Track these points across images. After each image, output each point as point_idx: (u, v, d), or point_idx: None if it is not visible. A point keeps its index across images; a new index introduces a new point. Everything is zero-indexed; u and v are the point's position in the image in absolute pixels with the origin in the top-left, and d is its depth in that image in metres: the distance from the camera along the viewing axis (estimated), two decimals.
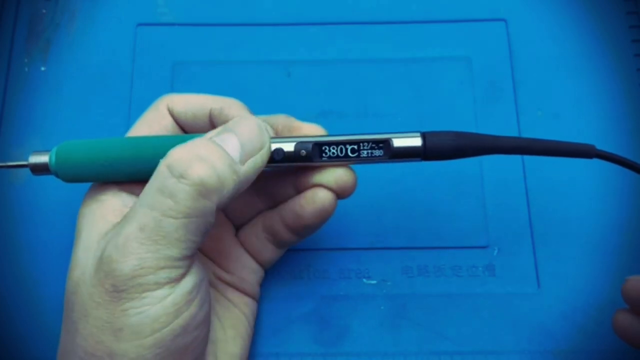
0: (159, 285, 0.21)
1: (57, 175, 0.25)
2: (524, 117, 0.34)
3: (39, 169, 0.25)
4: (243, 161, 0.23)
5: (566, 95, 0.35)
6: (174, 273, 0.22)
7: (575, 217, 0.32)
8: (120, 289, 0.21)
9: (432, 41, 0.36)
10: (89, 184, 0.26)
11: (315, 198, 0.25)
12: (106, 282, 0.21)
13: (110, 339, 0.21)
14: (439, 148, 0.25)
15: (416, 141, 0.25)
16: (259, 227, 0.28)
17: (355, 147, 0.25)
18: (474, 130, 0.33)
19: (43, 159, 0.25)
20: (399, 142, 0.25)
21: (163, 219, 0.21)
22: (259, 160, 0.24)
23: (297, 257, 0.32)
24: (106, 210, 0.24)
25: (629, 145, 0.33)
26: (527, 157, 0.33)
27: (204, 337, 0.24)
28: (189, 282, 0.22)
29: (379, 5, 0.36)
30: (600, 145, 0.33)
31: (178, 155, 0.22)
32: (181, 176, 0.21)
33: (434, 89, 0.35)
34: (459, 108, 0.34)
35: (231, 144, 0.23)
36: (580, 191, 0.33)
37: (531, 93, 0.35)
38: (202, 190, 0.21)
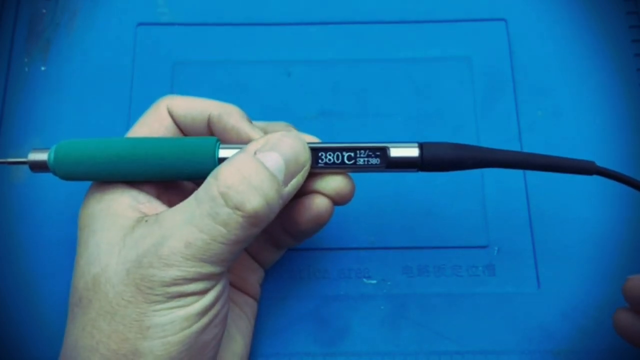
0: (194, 293, 0.22)
1: (54, 173, 0.25)
2: (524, 117, 0.34)
3: (38, 167, 0.25)
4: (286, 182, 0.23)
5: (566, 95, 0.35)
6: (211, 284, 0.23)
7: (575, 217, 0.32)
8: (156, 292, 0.22)
9: (432, 41, 0.36)
10: (88, 183, 0.26)
11: (312, 205, 0.25)
12: (142, 285, 0.22)
13: (137, 337, 0.22)
14: (437, 159, 0.25)
15: (413, 151, 0.25)
16: None
17: (352, 154, 0.25)
18: (474, 130, 0.34)
19: (42, 156, 0.25)
20: (396, 151, 0.25)
21: (212, 242, 0.22)
22: (300, 180, 0.24)
23: (297, 257, 0.32)
24: (118, 207, 0.24)
25: (628, 146, 0.33)
26: None
27: (222, 334, 0.25)
28: (219, 286, 0.23)
29: (379, 5, 0.36)
30: (600, 146, 0.33)
31: (231, 181, 0.22)
32: (236, 208, 0.22)
33: (434, 89, 0.35)
34: (459, 108, 0.34)
35: (276, 164, 0.23)
36: (580, 191, 0.33)
37: (531, 93, 0.35)
38: (254, 221, 0.22)
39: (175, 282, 0.22)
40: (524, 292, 0.31)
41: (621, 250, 0.32)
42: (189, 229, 0.22)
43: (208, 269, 0.22)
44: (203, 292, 0.22)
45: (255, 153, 0.23)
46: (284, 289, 0.31)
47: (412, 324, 0.31)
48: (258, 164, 0.23)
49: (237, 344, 0.27)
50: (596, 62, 0.35)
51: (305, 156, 0.24)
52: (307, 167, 0.24)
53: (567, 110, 0.34)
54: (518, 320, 0.31)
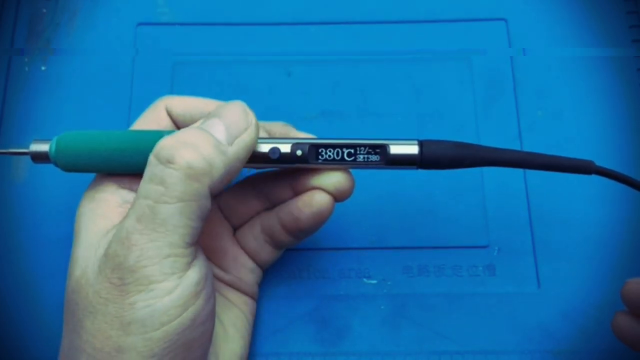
0: (164, 275, 0.22)
1: (56, 164, 0.25)
2: (524, 117, 0.34)
3: (39, 157, 0.25)
4: (230, 142, 0.23)
5: (566, 95, 0.35)
6: (178, 262, 0.22)
7: (575, 217, 0.32)
8: (127, 281, 0.21)
9: (432, 41, 0.36)
10: (89, 181, 0.26)
11: (313, 201, 0.25)
12: (113, 277, 0.22)
13: (119, 334, 0.21)
14: (436, 157, 0.25)
15: (413, 149, 0.25)
16: (256, 228, 0.28)
17: (352, 150, 0.25)
18: (474, 130, 0.34)
19: (43, 147, 0.25)
20: (395, 148, 0.25)
21: (157, 205, 0.22)
22: (247, 139, 0.24)
23: (297, 257, 0.32)
24: (106, 209, 0.24)
25: (628, 146, 0.33)
26: None
27: (210, 333, 0.24)
28: (194, 274, 0.23)
29: (379, 5, 0.36)
30: (600, 146, 0.33)
31: (164, 143, 0.22)
32: (168, 161, 0.22)
33: (434, 89, 0.35)
34: (459, 108, 0.34)
35: (217, 128, 0.23)
36: (580, 191, 0.33)
37: (531, 93, 0.35)
38: (191, 173, 0.22)
39: (139, 264, 0.21)
40: (524, 292, 0.31)
41: (621, 250, 0.32)
42: (137, 202, 0.22)
43: (165, 239, 0.22)
44: (172, 273, 0.22)
45: (197, 126, 0.24)
46: (284, 289, 0.31)
47: (412, 324, 0.31)
48: (195, 129, 0.23)
49: (235, 343, 0.27)
50: (596, 62, 0.35)
51: (248, 117, 0.24)
52: (254, 126, 0.24)
53: (567, 110, 0.34)
54: (518, 320, 0.31)
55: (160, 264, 0.22)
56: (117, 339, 0.21)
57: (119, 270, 0.22)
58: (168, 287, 0.22)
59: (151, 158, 0.22)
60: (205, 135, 0.23)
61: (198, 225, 0.23)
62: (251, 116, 0.24)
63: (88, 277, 0.22)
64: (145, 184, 0.22)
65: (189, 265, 0.23)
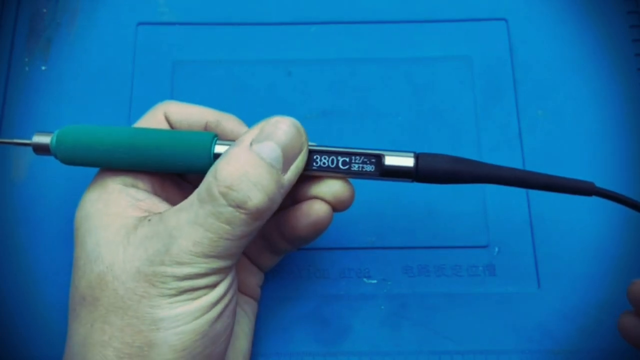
0: (206, 286, 0.23)
1: (55, 157, 0.26)
2: (524, 117, 0.34)
3: (40, 149, 0.26)
4: (285, 169, 0.23)
5: (566, 95, 0.35)
6: (221, 277, 0.23)
7: (575, 216, 0.32)
8: (169, 286, 0.22)
9: (432, 41, 0.36)
10: (88, 181, 0.26)
11: (311, 211, 0.25)
12: (155, 280, 0.22)
13: (151, 329, 0.22)
14: (432, 171, 0.25)
15: (408, 161, 0.25)
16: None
17: (347, 159, 0.25)
18: (474, 130, 0.34)
19: (45, 139, 0.26)
20: (391, 159, 0.25)
21: (219, 240, 0.22)
22: (300, 164, 0.24)
23: (297, 257, 0.32)
24: (117, 208, 0.24)
25: (629, 145, 0.33)
26: (527, 156, 0.33)
27: (232, 326, 0.25)
28: (229, 278, 0.24)
29: (379, 5, 0.36)
30: (600, 145, 0.33)
31: (230, 179, 0.22)
32: (238, 207, 0.22)
33: (434, 89, 0.35)
34: (459, 108, 0.34)
35: (272, 153, 0.23)
36: None
37: (531, 93, 0.35)
38: (257, 216, 0.22)
39: (187, 277, 0.22)
40: (524, 292, 0.31)
41: (622, 250, 0.32)
42: (194, 228, 0.22)
43: (218, 263, 0.23)
44: (214, 285, 0.23)
45: (251, 144, 0.23)
46: (284, 289, 0.31)
47: (412, 324, 0.31)
48: (254, 157, 0.23)
49: (240, 341, 0.28)
50: (596, 62, 0.35)
51: (302, 139, 0.24)
52: (305, 150, 0.24)
53: (567, 110, 0.34)
54: (518, 320, 0.31)
55: (207, 278, 0.23)
56: (149, 333, 0.22)
57: (163, 276, 0.22)
58: (205, 292, 0.23)
59: (216, 193, 0.22)
60: (268, 169, 0.23)
61: (244, 248, 0.24)
62: (304, 135, 0.24)
63: (117, 274, 0.22)
64: (207, 216, 0.22)
65: (228, 274, 0.24)
